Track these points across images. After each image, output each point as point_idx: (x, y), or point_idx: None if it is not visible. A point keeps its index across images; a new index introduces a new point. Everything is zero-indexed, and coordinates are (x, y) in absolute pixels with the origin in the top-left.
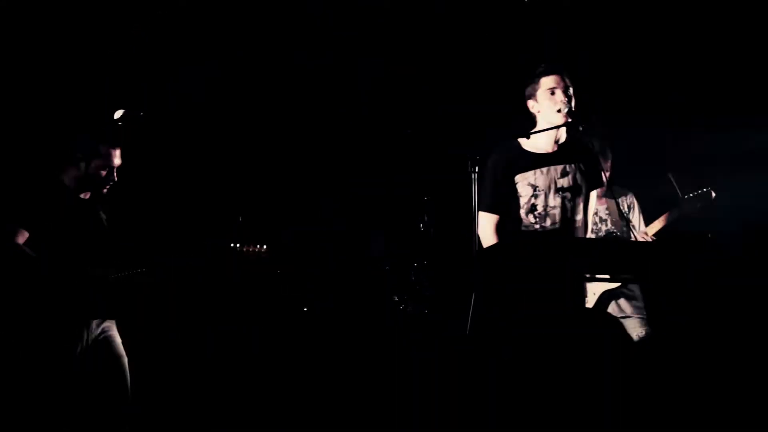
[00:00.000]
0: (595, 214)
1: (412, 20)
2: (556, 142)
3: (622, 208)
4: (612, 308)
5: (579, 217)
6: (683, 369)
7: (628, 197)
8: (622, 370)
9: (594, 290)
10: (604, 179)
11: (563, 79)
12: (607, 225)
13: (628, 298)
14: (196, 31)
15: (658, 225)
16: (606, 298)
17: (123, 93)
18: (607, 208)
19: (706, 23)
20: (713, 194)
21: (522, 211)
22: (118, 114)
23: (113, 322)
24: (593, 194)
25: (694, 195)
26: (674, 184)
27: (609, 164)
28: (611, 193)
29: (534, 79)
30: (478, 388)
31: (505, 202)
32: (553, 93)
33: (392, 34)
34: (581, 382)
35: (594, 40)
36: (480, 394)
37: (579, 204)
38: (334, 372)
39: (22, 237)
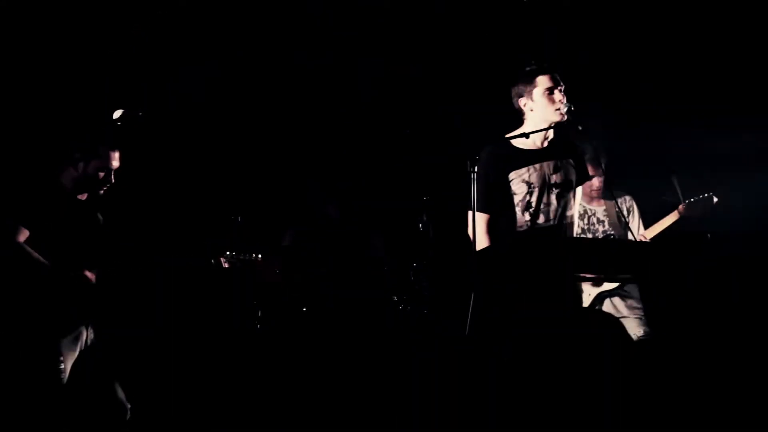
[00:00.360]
0: (593, 215)
1: (412, 20)
2: (546, 138)
3: (619, 209)
4: (608, 307)
5: (570, 212)
6: (683, 369)
7: (627, 201)
8: (621, 370)
9: (589, 291)
10: (598, 182)
11: (558, 78)
12: (604, 226)
13: (624, 299)
14: (196, 31)
15: (657, 228)
16: (601, 298)
17: (123, 93)
18: (605, 210)
19: (708, 22)
20: (715, 199)
21: (517, 209)
22: (117, 114)
23: (111, 322)
24: (579, 190)
25: (695, 200)
26: (677, 187)
27: (604, 167)
28: (610, 195)
29: (528, 78)
30: (478, 388)
31: (496, 201)
32: (551, 92)
33: (392, 34)
34: (581, 382)
35: (594, 40)
36: (480, 394)
37: (570, 199)
38: (334, 372)
39: (24, 235)
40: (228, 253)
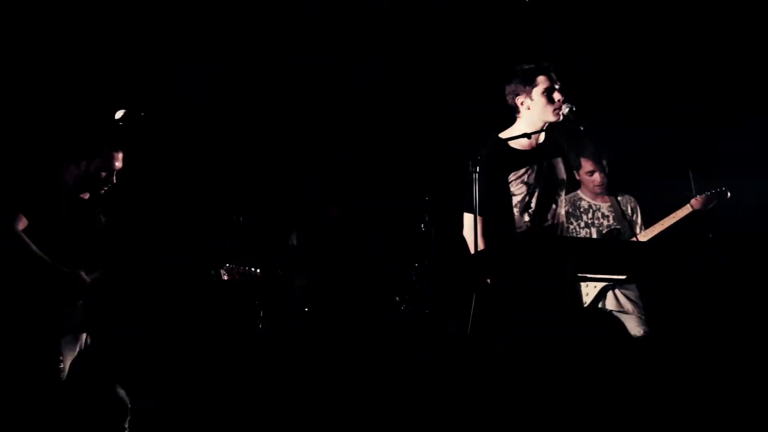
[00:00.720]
0: (597, 209)
1: (412, 20)
2: (538, 138)
3: (624, 209)
4: (610, 301)
5: (564, 211)
6: (683, 369)
7: (632, 201)
8: (621, 370)
9: (595, 284)
10: (600, 177)
11: (556, 78)
12: (609, 221)
13: (627, 296)
14: (196, 31)
15: (669, 221)
16: (604, 291)
17: (123, 93)
18: (610, 206)
19: (710, 19)
20: (728, 194)
21: (516, 210)
22: (119, 114)
23: (111, 322)
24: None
25: (708, 193)
26: (692, 182)
27: (605, 163)
28: (613, 191)
29: (528, 77)
30: (478, 388)
31: (492, 203)
32: (551, 92)
33: (392, 34)
34: (581, 382)
35: (594, 40)
36: (480, 394)
37: (563, 199)
38: (334, 372)
39: (23, 223)
40: (228, 265)
